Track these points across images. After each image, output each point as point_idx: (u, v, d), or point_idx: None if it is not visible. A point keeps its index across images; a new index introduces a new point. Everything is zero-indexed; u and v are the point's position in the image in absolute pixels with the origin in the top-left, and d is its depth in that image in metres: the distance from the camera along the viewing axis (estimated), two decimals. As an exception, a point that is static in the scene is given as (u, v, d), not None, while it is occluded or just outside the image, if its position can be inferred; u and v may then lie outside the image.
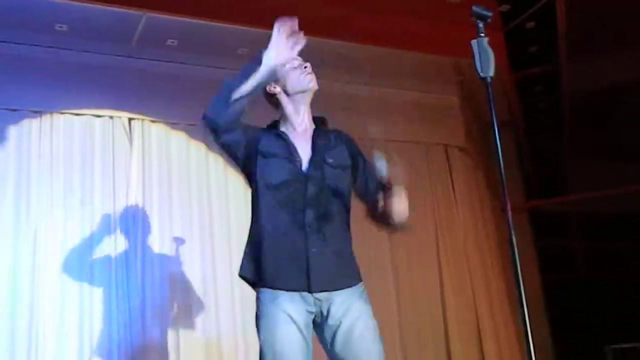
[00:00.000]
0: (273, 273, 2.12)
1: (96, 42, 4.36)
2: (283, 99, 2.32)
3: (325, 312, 2.11)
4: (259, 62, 2.17)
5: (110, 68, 4.49)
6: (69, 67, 4.35)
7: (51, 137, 4.23)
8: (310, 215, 2.15)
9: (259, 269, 2.15)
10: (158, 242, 4.33)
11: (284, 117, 2.34)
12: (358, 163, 2.33)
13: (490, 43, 2.04)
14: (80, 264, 4.08)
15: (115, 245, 4.19)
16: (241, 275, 2.23)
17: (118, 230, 4.23)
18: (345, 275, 2.19)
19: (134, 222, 4.29)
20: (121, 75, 4.51)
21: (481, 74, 2.01)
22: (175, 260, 4.33)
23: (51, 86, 4.27)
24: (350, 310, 2.11)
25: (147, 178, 4.44)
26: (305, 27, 4.57)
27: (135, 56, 4.58)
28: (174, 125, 4.67)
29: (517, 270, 1.76)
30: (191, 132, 4.70)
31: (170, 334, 4.19)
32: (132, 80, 4.54)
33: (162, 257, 4.31)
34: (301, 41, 2.22)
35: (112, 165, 4.36)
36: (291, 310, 2.07)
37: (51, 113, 4.28)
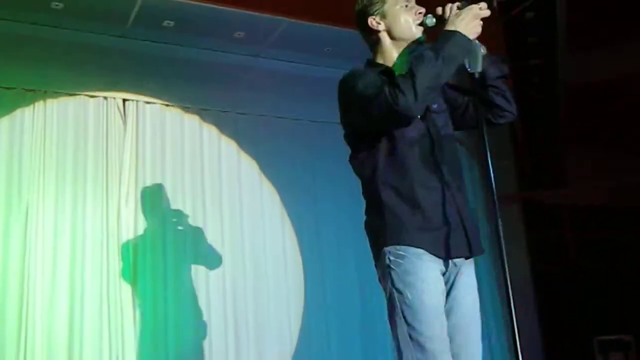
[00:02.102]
0: (423, 234, 1.93)
1: (92, 21, 4.31)
2: (385, 40, 2.12)
3: (450, 277, 2.00)
4: None
5: (106, 48, 4.45)
6: (63, 46, 4.31)
7: (44, 117, 4.20)
8: (445, 171, 2.01)
9: (403, 227, 1.94)
10: (150, 223, 4.32)
11: (383, 58, 2.12)
12: (450, 98, 2.15)
13: (488, 33, 2.02)
14: (72, 244, 4.07)
15: (107, 226, 4.19)
16: (373, 229, 2.02)
17: (110, 211, 4.22)
18: (479, 238, 2.06)
19: (126, 203, 4.28)
20: (116, 56, 4.47)
21: (469, 69, 1.97)
22: (167, 240, 4.33)
23: (45, 65, 4.23)
24: (469, 276, 2.03)
25: (140, 159, 4.42)
26: (308, 14, 4.53)
27: (131, 37, 4.53)
28: (168, 106, 4.65)
29: (503, 260, 1.75)
30: (186, 114, 4.69)
31: (160, 312, 4.19)
32: (127, 61, 4.50)
33: (154, 238, 4.30)
34: None
35: (106, 145, 4.34)
36: (437, 271, 1.94)
37: (45, 92, 4.24)
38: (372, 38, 2.15)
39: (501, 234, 1.78)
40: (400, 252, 1.92)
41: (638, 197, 6.18)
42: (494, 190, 1.83)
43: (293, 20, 4.49)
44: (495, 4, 5.12)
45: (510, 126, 6.42)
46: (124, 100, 4.49)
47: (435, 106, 2.11)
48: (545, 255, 6.35)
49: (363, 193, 2.08)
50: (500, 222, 1.79)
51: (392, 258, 1.93)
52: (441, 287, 1.95)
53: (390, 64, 2.10)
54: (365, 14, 2.13)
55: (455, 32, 1.92)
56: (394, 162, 1.98)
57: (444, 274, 1.97)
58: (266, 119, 4.97)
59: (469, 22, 1.93)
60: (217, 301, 4.41)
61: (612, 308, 6.10)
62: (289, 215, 4.88)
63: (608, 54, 5.60)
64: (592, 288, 6.38)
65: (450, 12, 1.98)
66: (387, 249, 1.95)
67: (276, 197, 4.88)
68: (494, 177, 1.87)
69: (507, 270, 1.73)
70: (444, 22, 1.99)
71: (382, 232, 1.98)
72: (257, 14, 4.39)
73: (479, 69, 1.96)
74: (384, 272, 1.96)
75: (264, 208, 4.80)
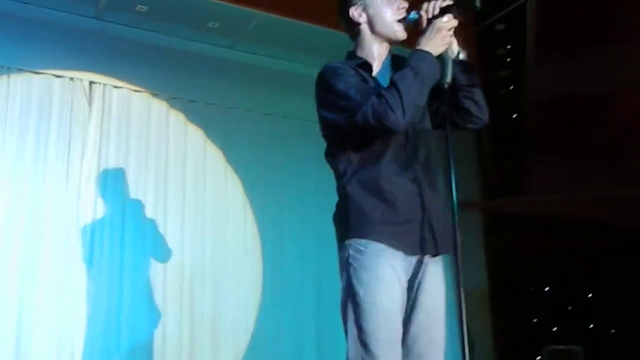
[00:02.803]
0: (387, 227, 1.90)
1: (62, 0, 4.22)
2: (366, 33, 2.06)
3: (416, 274, 1.95)
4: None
5: (75, 28, 4.37)
6: (31, 24, 4.21)
7: (7, 93, 4.10)
8: (416, 168, 1.98)
9: (366, 219, 1.91)
10: (110, 207, 4.26)
11: (362, 51, 2.07)
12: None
13: (463, 39, 2.02)
14: (28, 222, 3.98)
15: (67, 207, 4.12)
16: (338, 221, 2.00)
17: (70, 192, 4.15)
18: (449, 238, 1.94)
19: (87, 184, 4.21)
20: (86, 37, 4.39)
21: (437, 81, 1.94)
22: (127, 225, 4.28)
23: (11, 42, 4.13)
24: (435, 275, 1.98)
25: (104, 142, 4.36)
26: (284, 9, 4.51)
27: (102, 19, 4.46)
28: (136, 92, 4.58)
29: (457, 265, 1.76)
30: (153, 100, 4.63)
31: (115, 297, 4.14)
32: (97, 43, 4.43)
33: (113, 222, 4.24)
34: None
35: (69, 127, 4.26)
36: (398, 268, 1.90)
37: (9, 69, 4.14)
38: (352, 29, 2.09)
39: (458, 239, 1.78)
40: (360, 247, 1.89)
41: (596, 208, 6.32)
42: (454, 193, 1.83)
43: (268, 13, 4.48)
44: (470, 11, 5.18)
45: (476, 134, 6.50)
46: (91, 83, 4.41)
47: None
48: (503, 263, 6.45)
49: (336, 188, 2.05)
50: (457, 227, 1.79)
51: (351, 252, 1.90)
52: (399, 287, 1.90)
53: (370, 58, 2.05)
54: (347, 3, 2.06)
55: (428, 53, 1.90)
56: (365, 157, 1.95)
57: (407, 272, 1.93)
58: (235, 111, 4.93)
59: (434, 38, 1.91)
60: (174, 289, 4.37)
61: (563, 318, 6.24)
62: (252, 207, 4.86)
63: (576, 66, 5.72)
64: (546, 297, 6.51)
65: (433, 10, 1.92)
66: (348, 242, 1.92)
67: (240, 189, 4.85)
68: (456, 184, 1.86)
69: (460, 276, 1.74)
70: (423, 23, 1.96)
71: (345, 224, 1.94)
72: (232, 5, 4.36)
73: (448, 79, 1.96)
74: (343, 266, 1.93)
75: (227, 199, 4.78)
